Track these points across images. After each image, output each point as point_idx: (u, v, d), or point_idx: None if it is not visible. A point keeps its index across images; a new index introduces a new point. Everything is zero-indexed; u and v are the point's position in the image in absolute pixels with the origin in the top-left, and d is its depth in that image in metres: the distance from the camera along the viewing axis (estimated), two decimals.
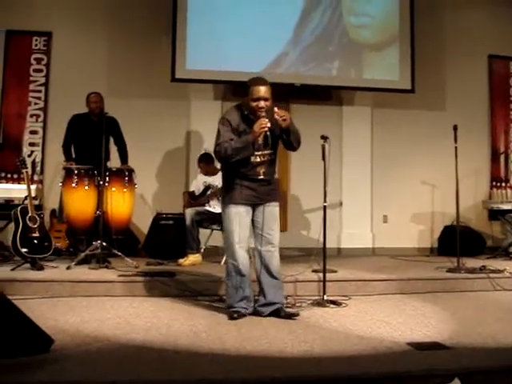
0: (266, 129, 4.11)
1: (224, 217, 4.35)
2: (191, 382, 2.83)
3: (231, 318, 4.19)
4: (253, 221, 4.35)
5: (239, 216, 4.25)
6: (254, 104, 4.18)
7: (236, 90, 7.91)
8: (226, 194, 4.34)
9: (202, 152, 7.11)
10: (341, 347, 3.46)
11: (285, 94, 7.82)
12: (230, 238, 4.28)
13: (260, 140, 4.20)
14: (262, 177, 4.29)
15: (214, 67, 7.66)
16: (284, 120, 4.14)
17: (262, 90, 4.20)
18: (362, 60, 8.06)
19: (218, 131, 4.25)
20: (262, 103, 4.17)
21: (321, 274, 5.01)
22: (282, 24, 7.89)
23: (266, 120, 4.09)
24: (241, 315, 4.21)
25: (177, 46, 7.56)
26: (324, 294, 4.81)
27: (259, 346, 3.45)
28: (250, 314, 4.28)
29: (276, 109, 4.16)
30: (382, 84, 8.01)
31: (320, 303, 4.68)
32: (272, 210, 4.36)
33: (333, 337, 3.72)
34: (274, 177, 4.49)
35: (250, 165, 4.25)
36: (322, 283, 4.90)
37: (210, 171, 6.79)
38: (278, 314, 4.26)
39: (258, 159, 4.27)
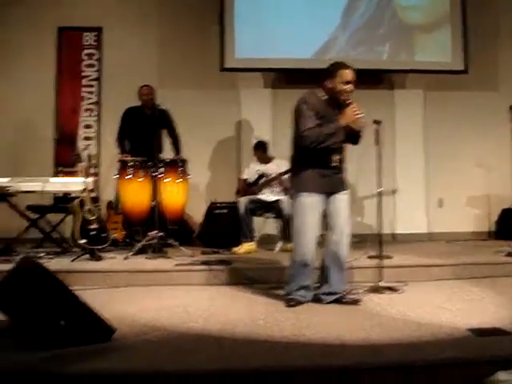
0: (361, 115, 4.08)
1: (295, 205, 4.25)
2: (250, 371, 2.84)
3: (288, 305, 4.18)
4: (324, 210, 4.25)
5: (311, 205, 4.16)
6: (345, 87, 4.10)
7: (286, 78, 7.90)
8: (299, 182, 4.23)
9: (255, 140, 7.12)
10: (399, 334, 3.42)
11: None
12: (300, 227, 4.20)
13: None
14: (335, 164, 4.23)
15: (263, 55, 7.65)
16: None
17: (352, 74, 4.13)
18: (413, 42, 7.91)
19: (302, 116, 4.12)
20: (352, 87, 4.12)
21: (376, 261, 4.97)
22: (331, 8, 7.82)
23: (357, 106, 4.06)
24: (298, 303, 4.19)
25: (225, 36, 7.58)
26: (380, 280, 4.77)
27: (317, 333, 3.44)
28: (308, 302, 4.26)
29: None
30: (434, 66, 7.85)
31: (376, 289, 4.63)
32: (344, 198, 4.29)
33: (391, 323, 3.68)
34: (344, 165, 4.40)
35: (327, 152, 4.16)
36: (378, 269, 4.85)
37: (264, 158, 6.80)
38: (339, 301, 4.24)
39: (334, 146, 4.18)
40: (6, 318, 3.36)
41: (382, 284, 4.72)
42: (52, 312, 3.16)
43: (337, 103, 4.18)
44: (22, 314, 3.22)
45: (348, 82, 4.10)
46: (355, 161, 7.63)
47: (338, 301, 4.25)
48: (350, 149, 7.65)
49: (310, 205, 4.16)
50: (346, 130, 4.16)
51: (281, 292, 4.59)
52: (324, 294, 4.29)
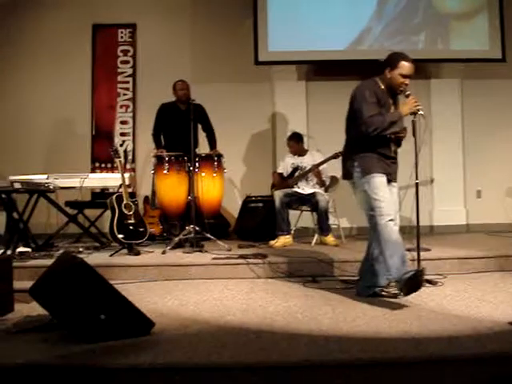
0: (420, 107, 4.07)
1: (369, 186, 4.05)
2: (289, 364, 2.84)
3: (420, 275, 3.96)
4: None
5: (385, 184, 4.08)
6: (402, 80, 4.06)
7: (319, 70, 7.86)
8: (366, 165, 4.08)
9: (289, 132, 7.11)
10: (439, 327, 3.37)
11: (369, 70, 7.66)
12: (378, 211, 4.00)
13: None
14: (393, 155, 4.21)
15: (297, 48, 7.63)
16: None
17: (412, 67, 4.09)
18: (449, 31, 7.79)
19: (365, 101, 4.03)
20: (408, 81, 4.09)
21: (414, 253, 4.90)
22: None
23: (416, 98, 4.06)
24: (422, 271, 4.03)
25: (258, 29, 7.58)
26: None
27: (356, 326, 3.42)
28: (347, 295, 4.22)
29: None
30: (471, 54, 7.71)
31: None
32: (396, 189, 4.27)
33: (430, 317, 3.63)
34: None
35: (387, 141, 4.14)
36: (416, 262, 4.80)
37: (298, 151, 6.78)
38: (379, 295, 4.19)
39: (392, 136, 4.16)
40: (48, 312, 3.44)
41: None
42: (92, 306, 3.21)
43: (393, 93, 4.17)
44: (62, 308, 3.28)
45: (407, 76, 4.07)
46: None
47: (377, 294, 4.20)
48: None
49: (384, 184, 4.08)
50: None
51: (317, 285, 4.60)
52: (367, 286, 4.24)
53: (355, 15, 7.71)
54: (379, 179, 4.07)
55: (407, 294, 3.91)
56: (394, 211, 4.13)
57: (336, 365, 2.82)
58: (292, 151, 6.84)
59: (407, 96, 4.11)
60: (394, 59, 4.11)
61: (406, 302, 4.05)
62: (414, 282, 3.87)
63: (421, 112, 4.11)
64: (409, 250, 5.16)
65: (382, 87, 4.14)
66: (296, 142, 6.81)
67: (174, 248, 5.84)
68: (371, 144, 4.09)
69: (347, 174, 4.26)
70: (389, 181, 4.16)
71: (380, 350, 2.96)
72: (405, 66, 4.05)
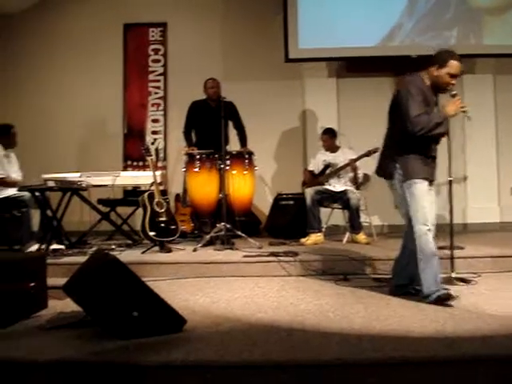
0: (465, 109, 3.98)
1: (408, 194, 3.98)
2: (321, 362, 2.83)
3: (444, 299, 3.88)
4: None
5: (426, 192, 3.98)
6: (449, 80, 3.94)
7: (350, 66, 7.82)
8: (409, 169, 3.98)
9: (321, 129, 7.08)
10: (473, 327, 3.33)
11: (402, 66, 7.60)
12: (420, 218, 3.93)
13: None
14: (434, 154, 4.09)
15: (327, 44, 7.59)
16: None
17: (460, 67, 3.96)
18: (482, 26, 7.67)
19: (412, 100, 3.88)
20: (455, 80, 3.97)
21: (447, 251, 4.85)
22: None
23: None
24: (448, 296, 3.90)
25: (289, 26, 7.57)
26: (452, 271, 4.65)
27: (388, 325, 3.39)
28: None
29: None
30: (504, 49, 7.58)
31: (448, 281, 4.48)
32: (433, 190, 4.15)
33: (464, 316, 3.58)
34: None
35: (430, 140, 4.02)
36: (449, 260, 4.74)
37: (331, 146, 6.75)
38: (412, 294, 4.12)
39: (438, 136, 4.04)
40: (82, 309, 3.48)
41: (453, 275, 4.61)
42: (125, 303, 3.24)
43: (437, 91, 4.04)
44: (96, 305, 3.32)
45: (455, 75, 3.95)
46: None
47: (409, 293, 4.15)
48: None
49: (425, 190, 3.97)
50: None
51: (348, 284, 4.60)
52: (402, 285, 4.21)
53: (386, 11, 7.65)
54: (421, 185, 3.95)
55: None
56: (433, 214, 4.01)
57: (369, 364, 2.81)
58: (325, 146, 6.79)
59: (453, 96, 3.98)
60: (443, 57, 3.96)
61: None
62: (439, 303, 3.85)
63: (468, 114, 4.00)
64: (442, 247, 5.15)
65: (428, 84, 4.00)
66: (330, 137, 6.76)
67: (205, 245, 5.86)
68: (415, 144, 3.97)
69: (386, 174, 4.17)
70: (430, 182, 4.05)
71: (412, 349, 2.94)
72: (454, 65, 3.91)
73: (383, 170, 4.22)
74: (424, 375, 2.79)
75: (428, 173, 4.01)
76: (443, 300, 3.85)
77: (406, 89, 3.96)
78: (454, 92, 3.99)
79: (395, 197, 4.18)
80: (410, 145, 3.97)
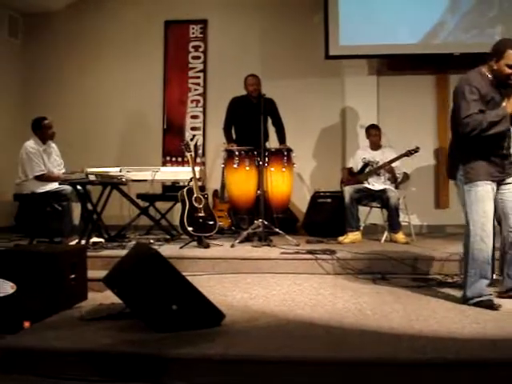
0: None
1: (469, 195, 3.88)
2: (361, 360, 2.81)
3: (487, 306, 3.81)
4: (495, 199, 3.93)
5: (487, 195, 3.85)
6: (509, 71, 3.73)
7: (391, 64, 7.74)
8: (470, 173, 3.86)
9: (360, 127, 7.04)
10: None
11: (444, 65, 7.52)
12: (476, 221, 3.84)
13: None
14: (505, 151, 3.91)
15: (368, 41, 7.50)
16: None
17: None
18: None
19: (464, 99, 3.74)
20: None
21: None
22: None
23: None
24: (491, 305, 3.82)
25: (329, 23, 7.48)
26: (493, 272, 4.53)
27: (428, 326, 3.35)
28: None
29: None
30: None
31: (489, 282, 4.43)
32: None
33: (506, 318, 3.52)
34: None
35: (496, 138, 3.82)
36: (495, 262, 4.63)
37: (377, 142, 6.66)
38: None
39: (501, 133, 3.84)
40: (122, 301, 3.52)
41: (494, 277, 4.50)
42: (165, 296, 3.27)
43: (502, 86, 3.83)
44: (136, 297, 3.35)
45: None
46: None
47: None
48: None
49: (485, 194, 3.85)
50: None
51: (386, 283, 4.57)
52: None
53: (429, 8, 7.51)
54: (483, 189, 3.83)
55: None
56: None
57: (408, 363, 2.78)
58: (372, 141, 6.65)
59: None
60: (499, 48, 3.76)
61: None
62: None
63: None
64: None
65: (490, 78, 3.82)
66: (378, 132, 6.66)
67: (242, 242, 5.87)
68: (476, 144, 3.81)
69: (451, 175, 4.07)
70: (501, 181, 3.92)
71: (453, 351, 2.89)
72: (510, 55, 3.69)
73: (448, 171, 4.14)
74: (464, 377, 2.76)
75: (492, 174, 3.85)
76: (485, 307, 3.78)
77: (460, 87, 3.82)
78: None
79: (459, 197, 4.07)
80: (470, 145, 3.83)
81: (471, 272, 3.87)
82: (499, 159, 3.88)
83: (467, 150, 3.87)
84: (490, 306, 3.77)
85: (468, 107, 3.73)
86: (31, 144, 6.02)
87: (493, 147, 3.85)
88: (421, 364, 2.80)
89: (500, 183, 3.93)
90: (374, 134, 6.66)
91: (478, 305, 3.80)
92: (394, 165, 6.33)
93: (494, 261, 4.15)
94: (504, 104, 3.78)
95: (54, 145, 6.27)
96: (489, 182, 3.85)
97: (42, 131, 6.09)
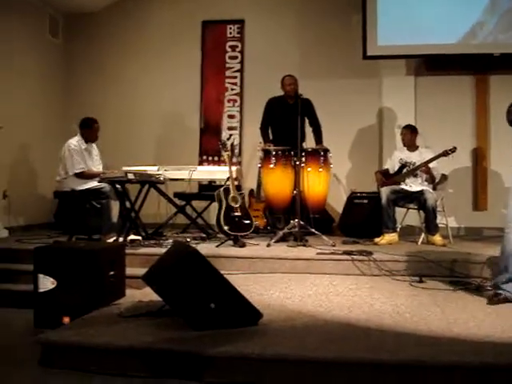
0: None
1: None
2: (399, 362, 2.80)
3: (489, 300, 3.95)
4: None
5: None
6: None
7: (429, 64, 7.66)
8: None
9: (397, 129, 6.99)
10: None
11: (483, 65, 7.42)
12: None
13: None
14: None
15: (406, 41, 7.45)
16: None
17: None
18: None
19: None
20: None
21: None
22: None
23: None
24: (502, 299, 3.91)
25: (367, 23, 7.46)
26: None
27: (466, 329, 3.32)
28: None
29: None
30: None
31: None
32: None
33: None
34: None
35: None
36: None
37: (411, 142, 6.57)
38: None
39: None
40: (161, 298, 3.57)
41: None
42: (203, 295, 3.30)
43: None
44: (175, 295, 3.39)
45: None
46: (504, 149, 7.26)
47: None
48: (498, 135, 7.34)
49: None
50: None
51: (423, 285, 4.54)
52: None
53: (467, 8, 7.42)
54: None
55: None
56: None
57: (448, 366, 2.77)
58: (405, 140, 6.60)
59: None
60: None
61: None
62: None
63: None
64: None
65: None
66: (409, 132, 6.59)
67: (278, 241, 5.89)
68: None
69: None
70: None
71: (492, 355, 2.86)
72: None
73: None
74: (502, 381, 2.73)
75: None
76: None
77: None
78: None
79: None
80: None
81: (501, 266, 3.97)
82: None
83: None
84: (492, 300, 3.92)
85: None
86: (74, 141, 6.15)
87: None
88: (460, 367, 2.78)
89: None
90: (404, 134, 6.62)
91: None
92: (431, 165, 6.26)
93: None
94: None
95: (95, 145, 6.40)
96: None
97: (90, 132, 6.24)
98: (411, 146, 6.56)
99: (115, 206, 6.01)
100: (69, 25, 8.64)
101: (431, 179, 6.34)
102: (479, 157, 7.50)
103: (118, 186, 5.98)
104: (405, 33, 7.46)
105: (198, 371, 2.91)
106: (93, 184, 6.05)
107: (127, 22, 8.49)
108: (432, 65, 7.68)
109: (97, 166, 6.37)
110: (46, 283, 3.96)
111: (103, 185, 5.93)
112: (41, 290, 3.98)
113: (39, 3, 7.96)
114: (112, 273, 4.17)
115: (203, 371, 2.90)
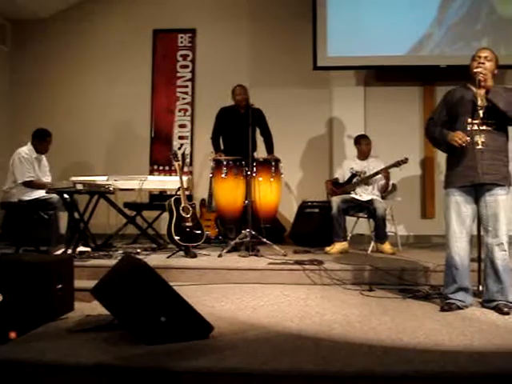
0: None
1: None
2: (349, 373, 2.81)
3: (442, 309, 4.03)
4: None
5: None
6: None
7: (379, 75, 7.78)
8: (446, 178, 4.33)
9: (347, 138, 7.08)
10: (503, 342, 3.28)
11: (431, 76, 7.58)
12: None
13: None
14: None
15: (356, 53, 7.57)
16: None
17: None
18: None
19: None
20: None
21: (476, 264, 4.76)
22: (425, 4, 7.60)
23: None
24: (454, 308, 4.01)
25: (317, 34, 7.55)
26: (479, 284, 4.54)
27: (415, 338, 3.36)
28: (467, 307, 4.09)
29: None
30: None
31: (476, 294, 4.39)
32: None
33: (492, 330, 3.53)
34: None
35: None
36: (476, 273, 4.65)
37: (367, 153, 6.65)
38: (499, 310, 3.96)
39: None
40: (110, 312, 3.50)
41: (481, 288, 4.52)
42: (154, 308, 3.25)
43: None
44: (124, 309, 3.34)
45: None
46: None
47: (496, 310, 4.00)
48: None
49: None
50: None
51: (373, 294, 4.59)
52: (484, 301, 4.15)
53: (416, 20, 7.58)
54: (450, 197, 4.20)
55: None
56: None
57: (397, 376, 2.79)
58: (363, 151, 6.64)
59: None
60: None
61: (466, 314, 3.96)
62: None
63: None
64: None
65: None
66: (370, 141, 6.67)
67: (229, 251, 5.87)
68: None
69: None
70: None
71: (441, 363, 2.90)
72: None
73: None
74: None
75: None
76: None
77: None
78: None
79: None
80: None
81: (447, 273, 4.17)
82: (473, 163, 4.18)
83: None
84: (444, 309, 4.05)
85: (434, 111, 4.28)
86: (25, 150, 6.10)
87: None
88: (410, 376, 2.80)
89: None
90: (365, 144, 6.66)
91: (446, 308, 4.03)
92: (381, 175, 6.35)
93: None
94: None
95: (44, 157, 6.31)
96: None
97: (42, 143, 6.19)
98: (366, 155, 6.64)
99: (63, 217, 5.92)
100: (17, 32, 8.46)
101: (385, 187, 6.40)
102: (427, 166, 7.65)
103: (66, 196, 5.87)
104: (354, 44, 7.57)
105: None
106: (40, 194, 5.94)
107: (78, 29, 8.39)
108: (381, 75, 7.81)
109: (46, 178, 6.26)
110: None
111: (51, 195, 5.83)
112: None
113: None
114: (60, 286, 4.06)
115: None
